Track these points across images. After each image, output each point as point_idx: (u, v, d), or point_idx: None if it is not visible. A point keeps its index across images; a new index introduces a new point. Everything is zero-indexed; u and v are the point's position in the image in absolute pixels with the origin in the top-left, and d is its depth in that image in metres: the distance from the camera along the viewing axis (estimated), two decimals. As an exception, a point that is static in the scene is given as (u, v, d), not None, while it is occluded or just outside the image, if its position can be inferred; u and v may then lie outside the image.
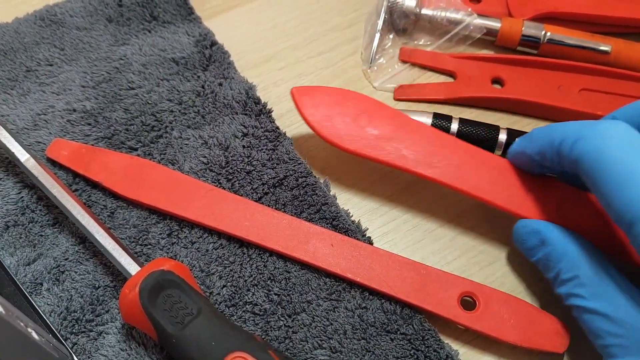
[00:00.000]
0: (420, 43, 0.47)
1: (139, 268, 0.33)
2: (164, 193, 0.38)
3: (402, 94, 0.45)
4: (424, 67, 0.47)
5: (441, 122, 0.41)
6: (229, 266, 0.36)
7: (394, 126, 0.38)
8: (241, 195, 0.38)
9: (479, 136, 0.40)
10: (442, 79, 0.46)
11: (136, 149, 0.40)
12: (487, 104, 0.45)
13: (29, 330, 0.28)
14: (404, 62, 0.46)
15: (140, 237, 0.37)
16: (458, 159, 0.37)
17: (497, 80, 0.46)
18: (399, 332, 0.34)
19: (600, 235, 0.34)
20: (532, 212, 0.36)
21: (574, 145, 0.31)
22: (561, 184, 0.36)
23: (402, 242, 0.38)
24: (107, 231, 0.34)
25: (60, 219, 0.37)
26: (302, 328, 0.34)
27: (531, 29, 0.46)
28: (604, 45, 0.45)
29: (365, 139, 0.37)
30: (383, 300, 0.35)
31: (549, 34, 0.45)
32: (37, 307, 0.34)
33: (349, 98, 0.39)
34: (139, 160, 0.39)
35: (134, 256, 0.34)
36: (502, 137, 0.40)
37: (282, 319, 0.34)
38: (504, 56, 0.46)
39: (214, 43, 0.45)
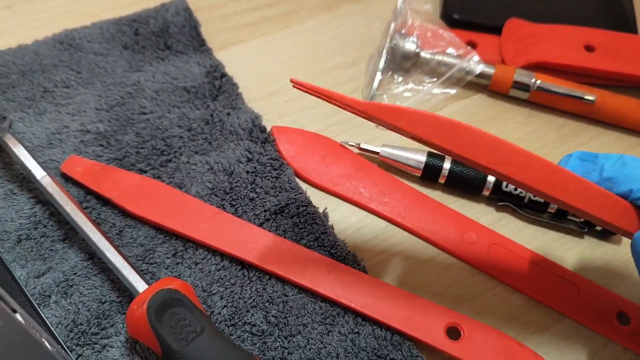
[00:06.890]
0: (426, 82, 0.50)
1: (146, 286, 0.35)
2: (173, 213, 0.40)
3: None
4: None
5: (434, 160, 0.43)
6: (230, 287, 0.38)
7: (355, 167, 0.44)
8: (244, 220, 0.40)
9: (469, 175, 0.43)
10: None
11: (146, 172, 0.42)
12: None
13: (43, 340, 0.30)
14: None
15: (147, 256, 0.39)
16: (406, 200, 0.43)
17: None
18: (388, 358, 0.36)
19: None
20: None
21: None
22: None
23: (394, 272, 0.40)
24: (116, 249, 0.36)
25: (71, 234, 0.39)
26: (298, 349, 0.36)
27: (523, 76, 0.49)
28: (589, 95, 0.48)
29: (329, 175, 0.44)
30: (374, 327, 0.37)
31: (538, 81, 0.48)
32: (45, 319, 0.36)
33: (319, 140, 0.45)
34: (150, 181, 0.41)
35: (141, 274, 0.36)
36: (491, 178, 0.42)
37: (279, 340, 0.36)
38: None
39: (224, 75, 0.47)
